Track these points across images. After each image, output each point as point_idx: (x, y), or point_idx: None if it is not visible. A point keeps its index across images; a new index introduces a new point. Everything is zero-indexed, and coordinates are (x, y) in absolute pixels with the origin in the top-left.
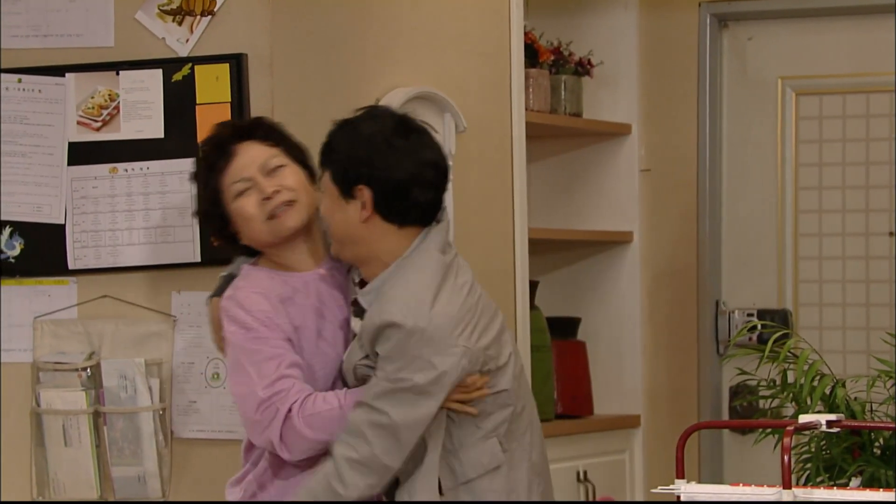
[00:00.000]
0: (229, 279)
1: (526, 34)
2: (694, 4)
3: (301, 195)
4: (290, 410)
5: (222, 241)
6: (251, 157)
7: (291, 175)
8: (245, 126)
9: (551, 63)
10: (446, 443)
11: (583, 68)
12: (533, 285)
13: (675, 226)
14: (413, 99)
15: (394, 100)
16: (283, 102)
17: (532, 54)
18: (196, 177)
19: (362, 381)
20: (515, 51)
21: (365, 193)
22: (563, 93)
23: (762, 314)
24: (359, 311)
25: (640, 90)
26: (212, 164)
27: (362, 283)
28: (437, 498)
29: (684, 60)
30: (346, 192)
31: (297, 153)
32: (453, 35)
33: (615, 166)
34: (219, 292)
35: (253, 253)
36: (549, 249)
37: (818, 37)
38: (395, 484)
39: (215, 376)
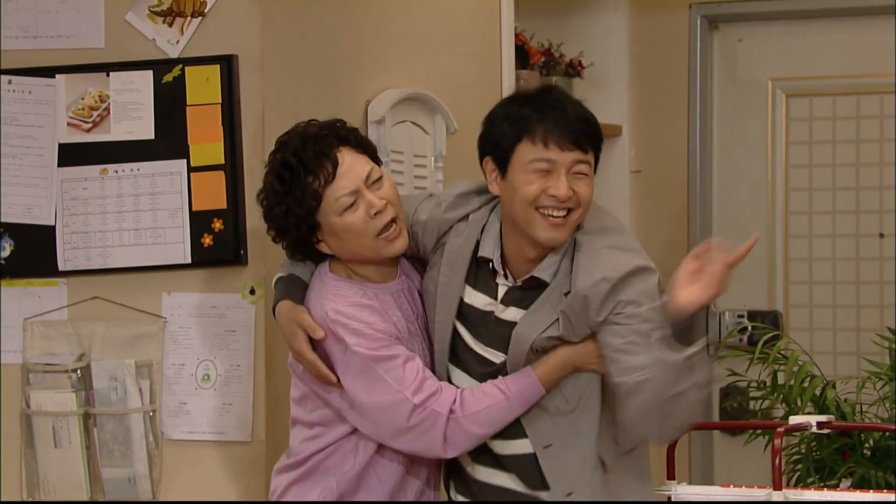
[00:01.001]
0: (293, 283)
1: (517, 35)
2: (684, 6)
3: (399, 209)
4: (451, 412)
5: (290, 248)
6: (353, 167)
7: (389, 187)
8: (339, 131)
9: (542, 64)
10: (607, 413)
11: (574, 70)
12: None
13: (665, 227)
14: (404, 100)
15: (385, 101)
16: (273, 104)
17: (523, 56)
18: (282, 178)
19: (538, 353)
20: (506, 52)
21: None
22: None
23: (752, 315)
24: (518, 299)
25: (630, 91)
26: (312, 168)
27: (499, 275)
28: (591, 467)
29: (675, 62)
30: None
31: (377, 160)
32: (444, 36)
33: (606, 167)
34: (287, 296)
35: (316, 259)
36: None
37: (808, 39)
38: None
39: (205, 378)
